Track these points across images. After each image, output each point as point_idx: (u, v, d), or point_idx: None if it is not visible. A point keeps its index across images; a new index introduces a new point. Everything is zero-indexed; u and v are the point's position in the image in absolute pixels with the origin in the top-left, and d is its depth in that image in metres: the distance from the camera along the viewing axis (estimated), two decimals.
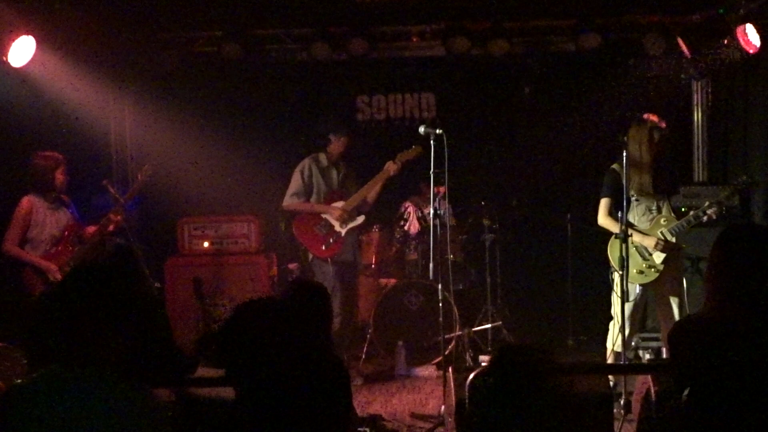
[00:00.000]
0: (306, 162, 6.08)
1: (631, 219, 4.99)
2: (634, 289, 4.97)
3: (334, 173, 6.07)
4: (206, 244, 6.65)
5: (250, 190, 7.32)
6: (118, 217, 5.49)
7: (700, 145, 7.25)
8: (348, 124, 6.40)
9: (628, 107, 6.67)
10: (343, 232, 5.92)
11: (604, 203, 5.10)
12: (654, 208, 4.99)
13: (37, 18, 5.56)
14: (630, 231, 4.87)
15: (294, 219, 6.12)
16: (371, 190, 5.94)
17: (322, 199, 6.04)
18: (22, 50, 5.52)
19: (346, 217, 5.93)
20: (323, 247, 5.91)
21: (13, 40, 5.40)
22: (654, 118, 5.01)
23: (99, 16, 6.27)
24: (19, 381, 2.23)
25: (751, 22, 5.79)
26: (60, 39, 5.86)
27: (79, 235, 5.53)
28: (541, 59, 7.07)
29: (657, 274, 4.94)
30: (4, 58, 5.39)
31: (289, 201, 6.09)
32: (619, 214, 4.80)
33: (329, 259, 5.86)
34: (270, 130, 7.45)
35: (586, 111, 7.06)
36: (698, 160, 7.25)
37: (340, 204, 5.96)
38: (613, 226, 5.04)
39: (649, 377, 3.81)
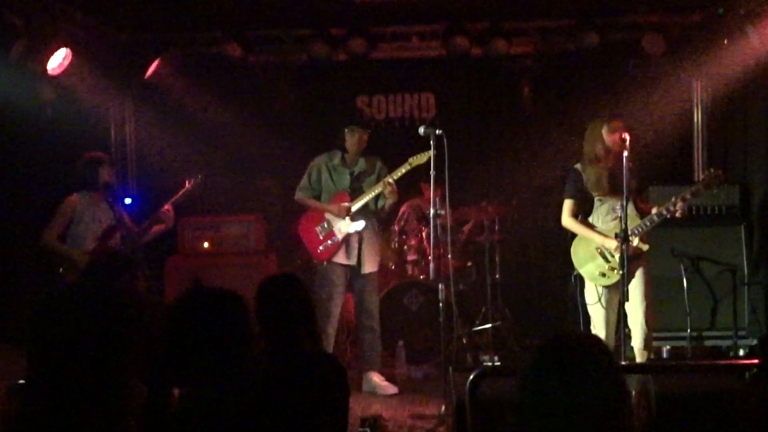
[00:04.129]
0: (317, 159, 5.96)
1: (595, 220, 4.96)
2: (600, 292, 4.91)
3: (345, 172, 5.87)
4: (206, 244, 6.65)
5: (250, 190, 7.33)
6: (168, 217, 5.65)
7: (700, 145, 7.24)
8: (363, 119, 6.16)
9: (628, 107, 6.68)
10: (341, 236, 5.77)
11: (567, 204, 5.05)
12: (618, 207, 4.74)
13: (36, 19, 5.57)
14: (590, 233, 4.86)
15: (301, 217, 6.02)
16: (366, 199, 5.73)
17: (331, 198, 5.87)
18: (23, 51, 5.53)
19: (345, 215, 5.73)
20: (320, 248, 5.82)
21: (14, 42, 5.41)
22: (609, 119, 4.95)
23: (99, 17, 6.29)
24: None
25: (751, 22, 5.79)
26: (60, 39, 5.85)
27: (123, 234, 5.58)
28: (541, 59, 7.07)
29: (619, 276, 4.77)
30: (5, 60, 5.40)
31: (297, 194, 6.00)
32: (611, 213, 4.79)
33: (325, 262, 5.78)
34: (269, 131, 7.45)
35: (585, 111, 7.05)
36: (698, 160, 7.24)
37: (345, 204, 5.78)
38: (577, 227, 5.01)
39: (649, 377, 3.82)
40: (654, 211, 4.82)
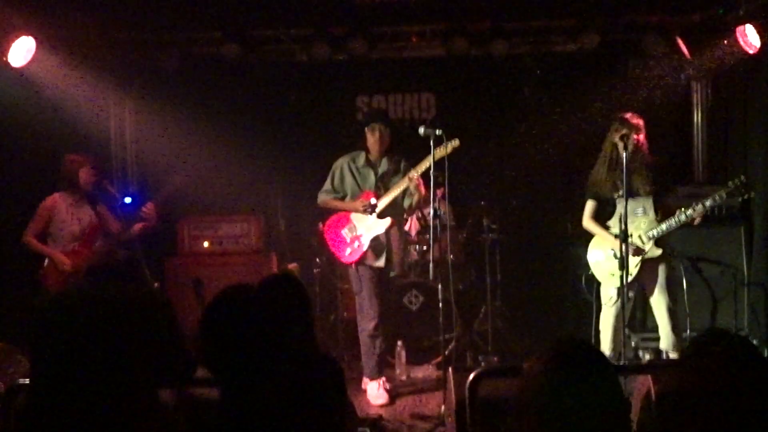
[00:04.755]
0: (340, 160, 5.75)
1: (615, 221, 4.96)
2: (610, 292, 4.94)
3: (370, 173, 5.64)
4: (206, 244, 6.65)
5: (250, 189, 7.33)
6: (150, 214, 5.62)
7: (700, 145, 7.25)
8: (384, 115, 5.89)
9: (628, 107, 6.68)
10: (368, 238, 5.56)
11: (588, 205, 5.08)
12: (639, 210, 4.85)
13: (37, 18, 5.57)
14: (605, 234, 4.87)
15: (326, 222, 5.82)
16: (393, 196, 5.51)
17: (356, 199, 5.65)
18: (22, 50, 5.53)
19: (371, 213, 5.50)
20: (347, 252, 5.61)
21: (13, 41, 5.41)
22: (625, 116, 4.95)
23: (99, 16, 6.28)
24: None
25: (751, 22, 5.79)
26: (60, 39, 5.86)
27: (107, 233, 5.63)
28: (541, 59, 7.07)
29: (630, 278, 4.81)
30: (5, 59, 5.40)
31: (319, 198, 5.80)
32: (632, 215, 4.78)
33: (354, 265, 5.60)
34: (270, 131, 7.45)
35: (585, 111, 7.06)
36: (698, 160, 7.25)
37: (371, 200, 5.55)
38: (595, 229, 5.03)
39: (648, 377, 3.81)
40: (676, 214, 4.83)
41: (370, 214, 5.52)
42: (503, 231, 6.86)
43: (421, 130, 5.07)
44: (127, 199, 5.99)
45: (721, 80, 6.83)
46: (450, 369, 4.97)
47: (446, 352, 5.48)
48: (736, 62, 6.14)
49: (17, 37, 5.41)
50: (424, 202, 5.56)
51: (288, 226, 7.30)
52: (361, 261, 5.59)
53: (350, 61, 6.85)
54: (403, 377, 6.11)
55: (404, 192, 5.54)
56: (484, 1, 6.39)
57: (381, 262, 5.61)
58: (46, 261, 5.53)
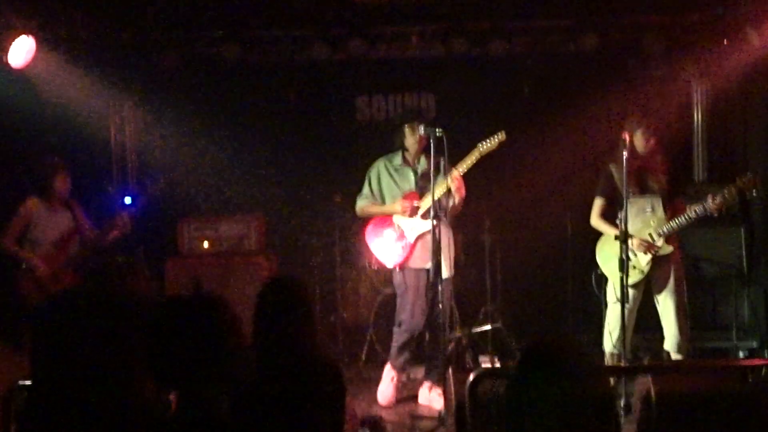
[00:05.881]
0: (376, 163, 5.59)
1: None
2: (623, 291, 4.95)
3: (409, 173, 5.48)
4: (206, 244, 6.65)
5: (250, 189, 7.33)
6: (124, 223, 5.64)
7: (700, 145, 7.25)
8: (421, 114, 5.71)
9: (628, 107, 6.68)
10: (413, 237, 5.38)
11: (596, 203, 5.10)
12: (648, 208, 4.92)
13: (37, 18, 5.57)
14: (614, 231, 4.88)
15: (366, 225, 5.64)
16: (437, 193, 5.24)
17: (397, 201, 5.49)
18: (22, 50, 5.52)
19: (413, 215, 5.35)
20: (391, 255, 5.42)
21: (13, 40, 5.41)
22: (636, 117, 4.99)
23: (99, 16, 6.28)
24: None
25: (751, 22, 5.80)
26: (60, 39, 5.86)
27: (83, 239, 5.62)
28: (541, 59, 7.07)
29: (641, 276, 4.90)
30: (4, 59, 5.40)
31: (357, 204, 5.64)
32: (620, 215, 4.79)
33: (397, 268, 5.42)
34: (269, 131, 7.45)
35: (585, 111, 7.05)
36: (698, 160, 7.24)
37: (413, 203, 5.39)
38: (604, 227, 5.03)
39: (649, 378, 3.82)
40: (686, 212, 4.85)
41: (412, 216, 5.36)
42: (503, 231, 6.86)
43: (421, 129, 5.06)
44: (127, 199, 6.00)
45: (721, 80, 6.82)
46: (450, 369, 5.00)
47: (446, 353, 5.46)
48: (736, 62, 6.14)
49: (17, 36, 5.40)
50: (461, 203, 5.39)
51: (288, 226, 7.30)
52: (406, 264, 5.41)
53: (350, 61, 6.84)
54: (403, 377, 6.11)
55: (447, 192, 5.31)
56: (484, 1, 6.39)
57: (428, 263, 5.32)
58: (23, 265, 5.47)
